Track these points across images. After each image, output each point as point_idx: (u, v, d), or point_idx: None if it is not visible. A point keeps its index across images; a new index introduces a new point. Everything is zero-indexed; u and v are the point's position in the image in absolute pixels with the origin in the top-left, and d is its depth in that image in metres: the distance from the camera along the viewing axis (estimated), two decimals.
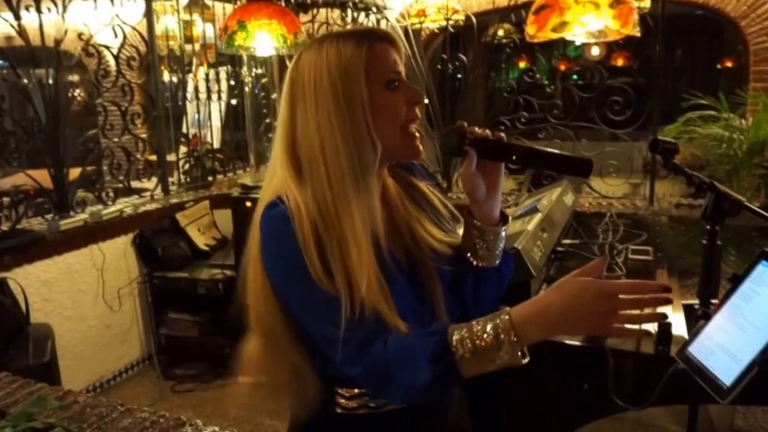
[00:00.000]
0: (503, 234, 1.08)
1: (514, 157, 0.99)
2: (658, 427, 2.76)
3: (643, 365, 1.48)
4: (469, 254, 1.08)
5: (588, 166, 0.99)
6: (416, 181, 1.13)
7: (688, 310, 1.53)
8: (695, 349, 1.22)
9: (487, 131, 1.01)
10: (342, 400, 1.04)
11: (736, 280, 1.21)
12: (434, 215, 1.11)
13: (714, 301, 1.39)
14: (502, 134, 1.01)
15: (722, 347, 1.17)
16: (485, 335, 0.85)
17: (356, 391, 1.03)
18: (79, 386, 3.16)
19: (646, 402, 1.37)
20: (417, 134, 1.02)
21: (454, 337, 0.86)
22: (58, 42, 3.22)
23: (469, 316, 0.94)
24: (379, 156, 0.97)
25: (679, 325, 1.51)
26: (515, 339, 0.84)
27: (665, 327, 1.47)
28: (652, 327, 1.54)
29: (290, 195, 0.96)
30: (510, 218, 1.11)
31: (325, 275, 0.91)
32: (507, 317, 0.85)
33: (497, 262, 1.09)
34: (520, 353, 0.85)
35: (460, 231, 1.11)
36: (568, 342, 1.56)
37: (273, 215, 0.97)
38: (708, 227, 1.38)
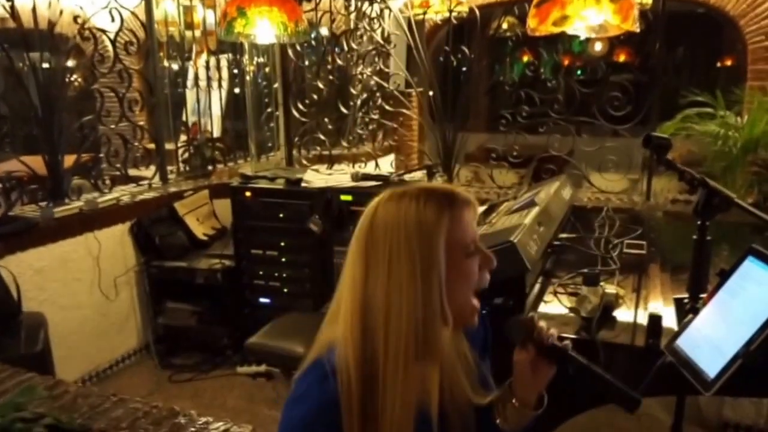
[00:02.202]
0: (535, 415, 1.07)
1: (569, 370, 1.01)
2: (650, 416, 2.78)
3: (633, 358, 1.50)
4: (498, 419, 1.08)
5: (635, 405, 1.01)
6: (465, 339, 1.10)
7: (679, 303, 1.54)
8: (683, 342, 1.24)
9: (553, 333, 1.01)
10: None
11: (724, 275, 1.22)
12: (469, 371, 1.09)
13: (703, 295, 1.40)
14: (567, 342, 1.01)
15: (708, 340, 1.18)
16: None
17: None
18: (74, 376, 3.16)
19: (635, 392, 1.38)
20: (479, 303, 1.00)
21: None
22: (52, 24, 3.18)
23: None
24: (450, 326, 0.95)
25: (669, 319, 1.52)
26: None
27: (656, 320, 1.48)
28: (643, 320, 1.56)
29: (343, 349, 0.93)
30: (545, 398, 1.10)
31: None
32: None
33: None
34: None
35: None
36: (561, 334, 1.57)
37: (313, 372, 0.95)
38: (699, 222, 1.39)
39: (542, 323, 1.02)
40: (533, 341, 1.00)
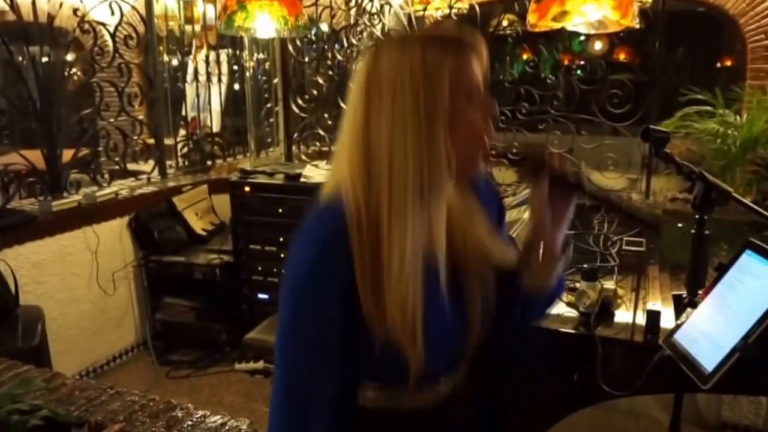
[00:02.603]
0: (561, 264, 1.05)
1: (587, 193, 0.99)
2: (648, 417, 2.78)
3: (631, 353, 1.50)
4: (524, 278, 1.05)
5: (652, 226, 1.02)
6: (478, 201, 1.07)
7: (677, 299, 1.54)
8: (681, 336, 1.24)
9: (568, 168, 0.99)
10: (369, 393, 1.01)
11: (722, 269, 1.22)
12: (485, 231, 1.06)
13: (701, 291, 1.40)
14: (579, 170, 1.00)
15: (706, 334, 1.18)
16: None
17: (379, 385, 1.01)
18: (71, 371, 3.15)
19: (632, 388, 1.39)
20: (487, 150, 0.97)
21: None
22: (51, 18, 3.18)
23: (513, 334, 0.99)
24: (453, 169, 0.92)
25: (668, 316, 1.52)
26: None
27: (654, 316, 1.48)
28: (642, 317, 1.56)
29: (350, 192, 0.92)
30: (570, 243, 1.07)
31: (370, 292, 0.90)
32: None
33: (549, 289, 1.07)
34: None
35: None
36: (560, 329, 1.58)
37: (324, 214, 0.94)
38: (697, 217, 1.39)
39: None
40: (546, 170, 0.97)
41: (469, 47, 0.93)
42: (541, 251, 1.02)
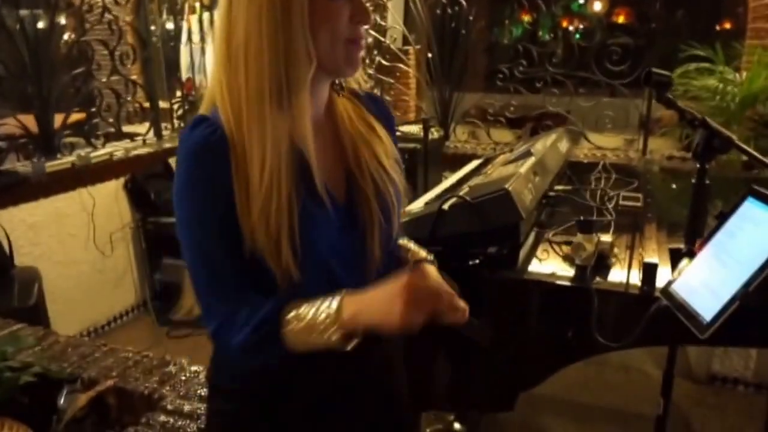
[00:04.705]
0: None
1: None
2: (639, 371, 2.82)
3: (627, 305, 1.50)
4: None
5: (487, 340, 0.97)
6: (370, 114, 1.05)
7: (674, 254, 1.53)
8: (678, 286, 1.24)
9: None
10: None
11: (722, 217, 1.21)
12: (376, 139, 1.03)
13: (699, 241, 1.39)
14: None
15: (705, 284, 1.18)
16: (318, 315, 0.85)
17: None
18: (71, 331, 3.14)
19: (627, 340, 1.39)
20: (359, 51, 0.93)
21: (290, 314, 0.87)
22: None
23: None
24: (313, 69, 0.88)
25: (664, 271, 1.51)
26: (339, 325, 0.84)
27: (650, 268, 1.47)
28: (638, 271, 1.55)
29: (219, 96, 0.89)
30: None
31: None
32: (338, 304, 0.85)
33: None
34: (346, 338, 0.85)
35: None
36: (556, 282, 1.57)
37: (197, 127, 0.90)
38: (698, 165, 1.37)
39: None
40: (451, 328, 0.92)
41: None
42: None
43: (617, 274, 1.60)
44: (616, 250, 1.68)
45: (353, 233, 0.96)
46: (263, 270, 0.89)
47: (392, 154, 1.03)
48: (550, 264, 1.68)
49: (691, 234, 1.40)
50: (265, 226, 0.86)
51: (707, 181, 1.37)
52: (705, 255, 1.23)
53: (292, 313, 0.87)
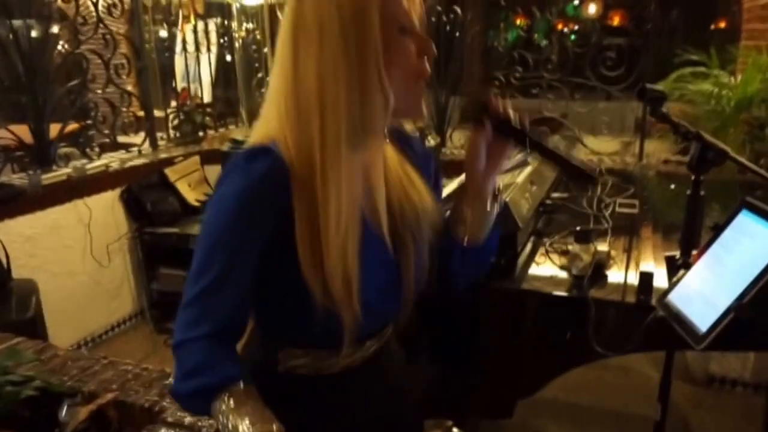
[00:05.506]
0: (494, 212, 1.01)
1: (528, 142, 0.93)
2: (638, 372, 2.83)
3: (623, 314, 1.50)
4: (457, 230, 1.02)
5: (589, 179, 0.95)
6: (406, 160, 1.02)
7: (670, 261, 1.54)
8: (674, 297, 1.24)
9: (510, 111, 0.93)
10: (296, 360, 0.98)
11: (717, 230, 1.22)
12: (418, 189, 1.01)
13: (695, 252, 1.40)
14: (524, 119, 0.94)
15: (700, 295, 1.18)
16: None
17: (300, 351, 0.97)
18: (68, 342, 3.17)
19: (625, 348, 1.40)
20: (423, 90, 0.91)
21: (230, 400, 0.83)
22: None
23: (452, 288, 0.96)
24: (390, 109, 0.86)
25: (660, 277, 1.52)
26: None
27: (646, 277, 1.48)
28: (634, 278, 1.56)
29: (283, 143, 0.86)
30: (502, 198, 1.04)
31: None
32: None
33: (484, 239, 1.03)
34: None
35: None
36: (553, 293, 1.58)
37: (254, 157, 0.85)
38: (693, 177, 1.38)
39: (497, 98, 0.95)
40: (488, 115, 0.92)
41: None
42: (472, 198, 0.99)
43: (614, 282, 1.61)
44: (612, 258, 1.69)
45: (391, 274, 0.97)
46: (330, 318, 0.87)
47: (429, 205, 1.01)
48: (547, 273, 1.68)
49: (686, 245, 1.40)
50: (342, 272, 0.85)
51: (702, 192, 1.38)
52: (701, 266, 1.23)
53: (232, 402, 0.83)
